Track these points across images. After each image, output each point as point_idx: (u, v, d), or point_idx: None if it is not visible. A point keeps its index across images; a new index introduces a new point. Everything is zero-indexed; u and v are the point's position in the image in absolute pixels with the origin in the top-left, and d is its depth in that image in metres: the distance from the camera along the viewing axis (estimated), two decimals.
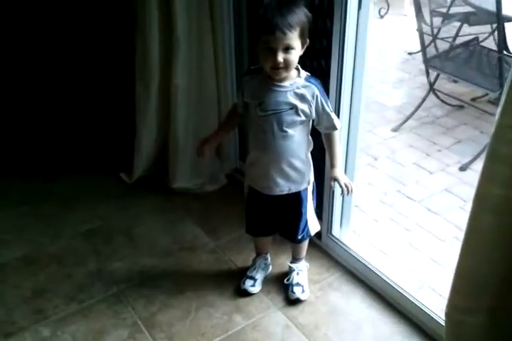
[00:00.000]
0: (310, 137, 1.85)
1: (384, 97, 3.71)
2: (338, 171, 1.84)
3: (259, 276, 2.17)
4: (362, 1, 1.84)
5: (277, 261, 2.27)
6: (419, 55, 3.45)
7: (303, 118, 1.75)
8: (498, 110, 1.29)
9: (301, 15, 1.61)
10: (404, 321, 1.99)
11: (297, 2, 1.63)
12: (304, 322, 2.01)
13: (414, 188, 2.78)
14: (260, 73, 1.75)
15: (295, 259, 2.18)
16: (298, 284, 2.11)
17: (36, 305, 2.11)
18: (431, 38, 3.29)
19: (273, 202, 1.95)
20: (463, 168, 2.89)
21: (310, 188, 1.95)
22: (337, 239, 2.29)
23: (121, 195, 2.70)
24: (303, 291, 2.10)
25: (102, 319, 2.05)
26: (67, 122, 3.31)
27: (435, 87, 3.38)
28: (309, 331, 1.98)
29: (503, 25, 3.04)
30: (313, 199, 2.00)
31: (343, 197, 2.10)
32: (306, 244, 2.15)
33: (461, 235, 1.51)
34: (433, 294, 2.09)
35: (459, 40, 3.46)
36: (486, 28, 3.58)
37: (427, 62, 3.28)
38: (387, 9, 5.33)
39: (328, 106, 1.77)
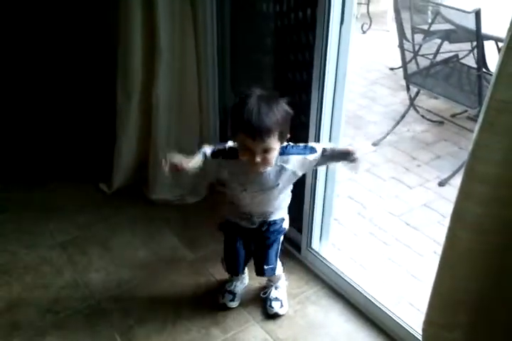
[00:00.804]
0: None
1: (365, 112, 3.75)
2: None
3: (238, 290, 2.15)
4: (344, 16, 1.85)
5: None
6: (401, 71, 3.50)
7: (288, 189, 1.85)
8: (476, 128, 1.31)
9: (281, 116, 1.60)
10: (382, 336, 1.99)
11: (277, 101, 1.62)
12: (282, 336, 2.00)
13: (393, 202, 2.80)
14: (236, 158, 1.69)
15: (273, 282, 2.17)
16: (276, 299, 2.11)
17: (11, 317, 2.07)
18: (412, 54, 3.34)
19: (249, 234, 1.96)
20: (442, 183, 2.92)
21: (286, 224, 1.99)
22: (316, 252, 2.29)
23: (100, 205, 2.67)
24: (281, 306, 2.09)
25: (79, 331, 2.02)
26: (47, 130, 3.28)
27: (415, 102, 3.42)
28: None
29: (483, 43, 3.09)
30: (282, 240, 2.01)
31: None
32: (279, 276, 2.14)
33: (440, 250, 1.53)
34: (411, 309, 2.10)
35: (440, 57, 3.51)
36: (466, 46, 3.64)
37: (408, 78, 3.32)
38: (370, 24, 5.40)
39: (310, 155, 1.76)
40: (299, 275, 2.28)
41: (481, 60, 3.09)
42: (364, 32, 5.39)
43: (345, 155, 1.77)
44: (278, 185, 1.77)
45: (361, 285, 2.11)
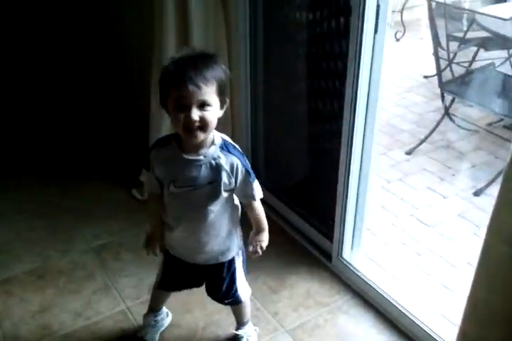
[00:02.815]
0: (235, 202, 1.67)
1: (398, 120, 3.71)
2: (266, 235, 1.70)
3: (149, 336, 1.97)
4: (378, 24, 1.84)
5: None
6: (435, 79, 3.46)
7: (222, 192, 1.56)
8: None
9: (218, 70, 1.42)
10: None
11: (213, 57, 1.45)
12: None
13: (426, 212, 2.76)
14: (169, 144, 1.53)
15: (240, 324, 1.96)
16: None
17: (43, 320, 2.10)
18: (447, 62, 3.30)
19: (195, 269, 1.77)
20: (477, 193, 2.86)
21: (239, 258, 1.78)
22: (347, 261, 2.26)
23: (132, 211, 2.69)
24: None
25: (109, 336, 2.03)
26: (84, 135, 3.35)
27: (450, 111, 3.36)
28: None
29: None
30: (243, 263, 1.81)
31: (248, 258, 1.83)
32: (246, 306, 1.92)
33: (474, 261, 1.49)
34: (444, 321, 2.06)
35: (475, 65, 3.46)
36: (503, 53, 3.59)
37: (443, 86, 3.28)
38: (404, 32, 5.35)
39: (250, 176, 1.58)
40: (330, 284, 2.25)
41: None
42: (398, 40, 5.35)
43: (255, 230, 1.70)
44: (210, 183, 1.53)
45: (393, 296, 2.08)
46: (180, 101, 1.39)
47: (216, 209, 1.60)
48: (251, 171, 1.59)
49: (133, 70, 3.34)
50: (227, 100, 1.49)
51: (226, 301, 1.85)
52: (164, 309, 2.02)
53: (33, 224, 2.61)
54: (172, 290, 1.93)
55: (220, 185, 1.54)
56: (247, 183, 1.59)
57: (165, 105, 1.46)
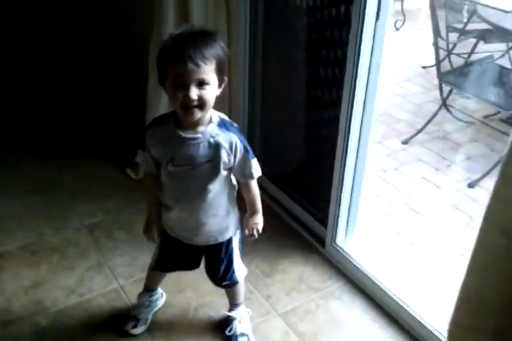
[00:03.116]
0: (233, 181, 1.66)
1: (395, 109, 3.71)
2: (260, 217, 1.71)
3: (143, 316, 1.97)
4: (380, 11, 1.82)
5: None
6: (434, 69, 3.45)
7: (221, 171, 1.55)
8: None
9: (217, 48, 1.40)
10: (405, 335, 1.98)
11: (213, 35, 1.43)
12: (304, 330, 2.00)
13: (421, 202, 2.77)
14: (167, 122, 1.52)
15: (233, 306, 1.97)
16: (242, 334, 1.93)
17: (35, 295, 2.10)
18: (446, 52, 3.30)
19: (193, 250, 1.77)
20: (471, 185, 2.88)
21: (236, 238, 1.78)
22: (341, 248, 2.27)
23: (128, 190, 2.68)
24: None
25: (101, 313, 2.04)
26: (82, 115, 3.33)
27: (447, 102, 3.37)
28: (308, 339, 1.97)
29: None
30: (239, 243, 1.82)
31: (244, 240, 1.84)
32: (241, 287, 1.93)
33: (467, 252, 1.51)
34: (435, 309, 2.08)
35: (474, 57, 3.46)
36: (502, 46, 3.59)
37: (441, 76, 3.28)
38: (404, 22, 5.33)
39: (249, 153, 1.56)
40: (323, 269, 2.27)
41: None
42: (397, 29, 5.32)
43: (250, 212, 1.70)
44: (209, 161, 1.52)
45: (385, 284, 2.10)
46: (179, 79, 1.37)
47: (215, 188, 1.58)
48: (249, 149, 1.58)
49: (131, 51, 3.31)
50: (226, 79, 1.47)
51: (223, 283, 1.86)
52: (159, 289, 2.03)
53: (28, 201, 2.60)
54: (167, 271, 1.93)
55: (220, 163, 1.53)
56: (246, 161, 1.58)
57: (163, 83, 1.44)
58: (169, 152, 1.53)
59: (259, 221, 1.72)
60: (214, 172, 1.55)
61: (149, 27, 2.45)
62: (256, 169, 1.62)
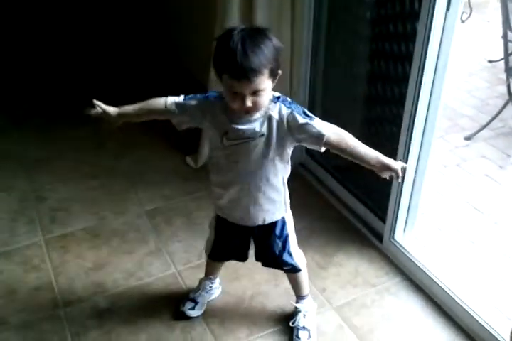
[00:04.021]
0: (289, 162, 1.63)
1: (459, 104, 3.61)
2: (384, 157, 1.52)
3: (201, 299, 2.01)
4: (451, 2, 1.76)
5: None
6: (500, 64, 3.34)
7: (275, 145, 1.53)
8: None
9: (269, 52, 1.38)
10: (462, 336, 1.94)
11: (264, 35, 1.40)
12: (358, 324, 1.99)
13: (483, 200, 2.70)
14: (223, 99, 1.50)
15: (299, 298, 1.97)
16: (304, 328, 1.92)
17: (96, 277, 2.17)
18: None
19: (247, 232, 1.77)
20: None
21: (289, 216, 1.77)
22: (399, 243, 2.24)
23: (186, 178, 2.73)
24: (309, 337, 1.91)
25: (159, 297, 2.09)
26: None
27: None
28: (362, 334, 1.96)
29: None
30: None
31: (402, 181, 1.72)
32: (303, 277, 1.91)
33: None
34: (495, 311, 2.02)
35: None
36: None
37: (509, 71, 3.16)
38: (470, 14, 5.15)
39: (301, 115, 1.50)
40: (379, 265, 2.24)
41: None
42: (463, 21, 5.14)
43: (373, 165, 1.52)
44: (262, 135, 1.50)
45: (443, 282, 2.06)
46: (234, 89, 1.40)
47: (269, 167, 1.57)
48: (307, 112, 1.52)
49: (192, 45, 3.34)
50: (280, 72, 1.46)
51: (285, 267, 1.85)
52: (218, 279, 2.06)
53: (89, 185, 2.68)
54: (220, 260, 1.96)
55: (272, 137, 1.52)
56: (306, 126, 1.50)
57: (220, 78, 1.45)
58: (224, 125, 1.52)
59: (387, 160, 1.51)
60: (268, 146, 1.53)
61: (212, 17, 2.46)
62: (323, 126, 1.50)
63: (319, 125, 1.50)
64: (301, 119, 1.49)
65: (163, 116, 1.63)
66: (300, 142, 1.55)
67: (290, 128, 1.51)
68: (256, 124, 1.50)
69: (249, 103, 1.40)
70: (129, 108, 1.63)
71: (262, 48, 1.37)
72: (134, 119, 1.68)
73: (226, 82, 1.41)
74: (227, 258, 1.94)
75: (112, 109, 1.61)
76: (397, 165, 1.51)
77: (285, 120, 1.50)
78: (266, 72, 1.38)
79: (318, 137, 1.50)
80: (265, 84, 1.40)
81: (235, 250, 1.87)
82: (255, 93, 1.40)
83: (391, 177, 1.54)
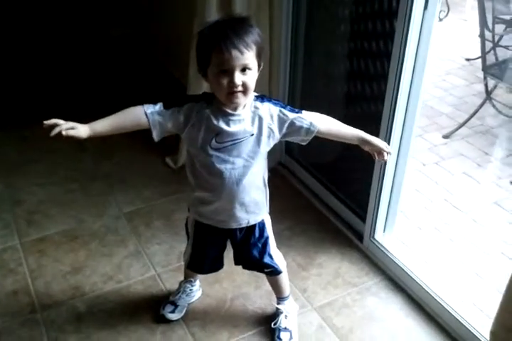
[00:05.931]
0: (266, 162, 1.65)
1: (437, 102, 3.64)
2: (367, 135, 1.62)
3: (181, 302, 2.00)
4: (429, 0, 1.77)
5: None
6: (477, 62, 3.37)
7: (264, 145, 1.55)
8: None
9: (255, 35, 1.42)
10: (442, 334, 1.95)
11: (249, 21, 1.45)
12: (339, 324, 1.99)
13: (461, 198, 2.72)
14: (210, 103, 1.51)
15: (280, 299, 1.96)
16: (286, 329, 1.91)
17: (74, 280, 2.14)
18: (491, 44, 3.21)
19: (226, 236, 1.75)
20: None
21: (268, 218, 1.77)
22: (379, 243, 2.25)
23: (166, 180, 2.70)
24: (291, 338, 1.91)
25: (139, 299, 2.06)
26: (118, 102, 3.32)
27: (492, 95, 3.28)
28: (343, 334, 1.96)
29: None
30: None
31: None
32: (283, 278, 1.91)
33: (507, 250, 1.46)
34: (474, 308, 2.04)
35: None
36: None
37: (486, 69, 3.19)
38: (447, 12, 5.20)
39: (294, 111, 1.55)
40: (360, 265, 2.24)
41: None
42: (441, 19, 5.20)
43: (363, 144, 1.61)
44: (252, 135, 1.52)
45: (424, 281, 2.07)
46: (223, 66, 1.40)
47: (255, 167, 1.58)
48: (292, 108, 1.56)
49: (169, 40, 3.32)
50: (262, 64, 1.49)
51: (266, 270, 1.83)
52: (198, 282, 2.05)
53: (68, 187, 2.64)
54: (199, 272, 1.95)
55: (261, 137, 1.53)
56: (296, 119, 1.55)
57: (204, 71, 1.46)
58: (214, 128, 1.50)
59: (370, 137, 1.61)
60: (257, 145, 1.54)
61: (191, 16, 2.44)
62: (311, 117, 1.57)
63: (308, 117, 1.57)
64: (291, 115, 1.55)
65: (142, 128, 1.58)
66: (289, 136, 1.59)
67: (281, 126, 1.55)
68: (246, 124, 1.51)
69: (238, 80, 1.40)
70: (103, 125, 1.59)
71: (250, 30, 1.42)
72: (107, 134, 1.60)
73: (215, 63, 1.40)
74: (206, 271, 1.92)
75: (82, 130, 1.54)
76: (377, 140, 1.62)
77: (276, 117, 1.54)
78: (255, 49, 1.41)
79: (310, 128, 1.57)
80: (253, 62, 1.42)
81: (213, 260, 1.85)
82: (243, 70, 1.41)
83: (374, 155, 1.63)
